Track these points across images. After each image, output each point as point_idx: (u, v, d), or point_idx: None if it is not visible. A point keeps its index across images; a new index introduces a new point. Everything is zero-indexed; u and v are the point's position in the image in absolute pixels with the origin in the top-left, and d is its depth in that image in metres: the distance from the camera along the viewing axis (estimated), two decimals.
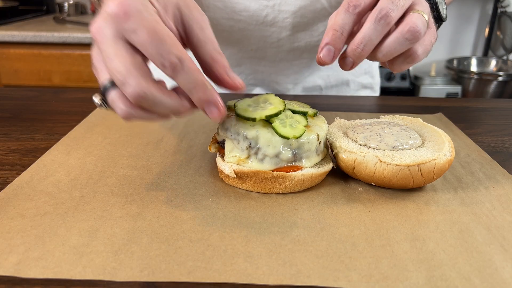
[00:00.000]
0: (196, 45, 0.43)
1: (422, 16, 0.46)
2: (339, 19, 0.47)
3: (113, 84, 0.40)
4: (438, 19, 0.54)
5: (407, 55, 0.48)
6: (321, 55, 0.47)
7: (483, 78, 2.32)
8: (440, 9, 0.53)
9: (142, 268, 0.36)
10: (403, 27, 0.46)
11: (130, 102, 0.40)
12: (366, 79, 1.01)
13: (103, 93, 0.41)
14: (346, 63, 0.48)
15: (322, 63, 0.48)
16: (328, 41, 0.47)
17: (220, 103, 0.41)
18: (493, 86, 2.30)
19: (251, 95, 0.54)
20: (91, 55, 0.42)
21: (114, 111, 0.41)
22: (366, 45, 0.46)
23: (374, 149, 0.50)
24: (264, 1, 0.78)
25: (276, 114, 0.47)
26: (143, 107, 0.40)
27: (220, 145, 0.52)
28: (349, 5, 0.46)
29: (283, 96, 0.63)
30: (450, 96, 2.33)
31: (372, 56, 0.48)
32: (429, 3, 0.51)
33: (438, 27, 0.55)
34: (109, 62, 0.38)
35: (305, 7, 0.79)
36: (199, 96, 0.40)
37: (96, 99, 0.42)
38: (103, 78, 0.40)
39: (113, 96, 0.40)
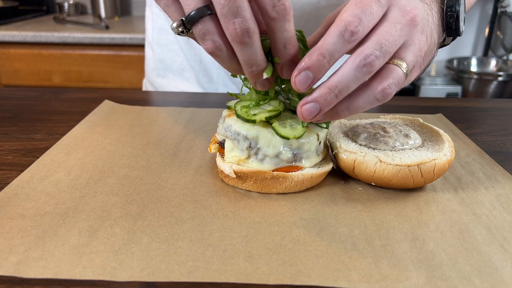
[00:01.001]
0: None
1: (400, 70, 0.41)
2: (329, 43, 0.39)
3: (208, 12, 0.38)
4: (455, 34, 0.49)
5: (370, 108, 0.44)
6: (296, 80, 0.40)
7: (483, 78, 2.32)
8: (460, 24, 0.48)
9: (142, 268, 0.36)
10: (376, 85, 0.41)
11: (225, 36, 0.39)
12: None
13: (192, 20, 0.38)
14: (311, 110, 0.41)
15: (294, 88, 0.41)
16: (310, 65, 0.39)
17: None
18: (493, 86, 2.30)
19: None
20: None
21: (196, 39, 0.40)
22: (341, 92, 0.40)
23: (374, 149, 0.50)
24: None
25: (276, 115, 0.47)
26: (235, 47, 0.39)
27: (220, 145, 0.52)
28: (346, 29, 0.38)
29: None
30: (450, 96, 2.33)
31: (335, 113, 0.43)
32: (450, 14, 0.47)
33: (452, 40, 0.51)
34: None
35: (310, 13, 0.79)
36: (291, 51, 0.41)
37: (176, 24, 0.40)
38: (194, 3, 0.38)
39: (208, 26, 0.38)
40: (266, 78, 0.42)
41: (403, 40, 0.42)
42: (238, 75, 0.46)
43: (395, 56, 0.42)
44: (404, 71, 0.42)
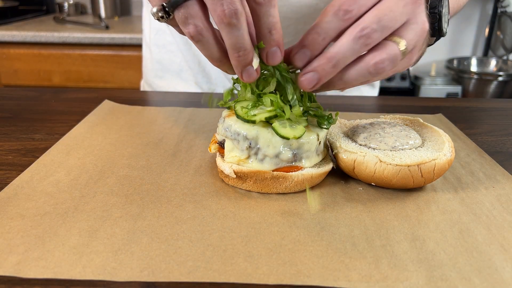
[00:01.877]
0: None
1: (397, 47, 0.42)
2: (324, 22, 0.42)
3: None
4: (438, 34, 0.50)
5: (365, 82, 0.45)
6: (295, 57, 0.43)
7: (483, 78, 2.32)
8: (443, 25, 0.49)
9: (142, 268, 0.36)
10: (370, 58, 0.42)
11: (208, 21, 0.40)
12: None
13: (176, 3, 0.39)
14: (310, 79, 0.43)
15: (293, 66, 0.44)
16: (306, 43, 0.42)
17: (283, 47, 0.43)
18: (493, 86, 2.30)
19: None
20: None
21: (178, 25, 0.41)
22: (339, 62, 0.42)
23: (374, 149, 0.50)
24: None
25: (276, 116, 0.47)
26: (222, 30, 0.39)
27: (220, 145, 0.52)
28: (339, 8, 0.41)
29: None
30: (450, 96, 2.33)
31: (331, 83, 0.44)
32: (433, 15, 0.47)
33: (435, 41, 0.51)
34: None
35: (308, 16, 0.79)
36: (276, 37, 0.41)
37: (156, 9, 0.41)
38: None
39: (191, 9, 0.39)
40: (252, 68, 0.42)
41: (406, 18, 0.43)
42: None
43: (395, 33, 0.43)
44: (402, 49, 0.43)
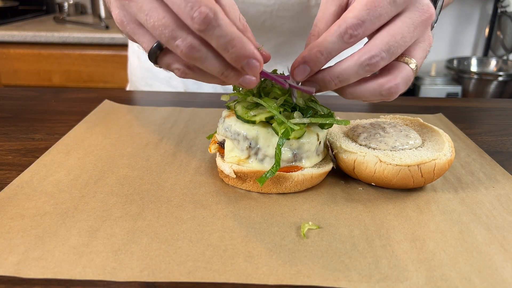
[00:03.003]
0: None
1: (410, 68, 0.43)
2: (329, 41, 0.41)
3: (160, 47, 0.40)
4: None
5: (375, 101, 0.46)
6: (295, 71, 0.43)
7: (483, 78, 2.32)
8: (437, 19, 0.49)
9: (142, 268, 0.36)
10: (385, 82, 0.42)
11: (184, 60, 0.40)
12: None
13: (151, 59, 0.42)
14: (309, 88, 0.44)
15: (292, 77, 0.44)
16: (308, 60, 0.42)
17: (259, 55, 0.38)
18: (493, 86, 2.30)
19: None
20: (119, 21, 0.41)
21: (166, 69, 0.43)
22: (341, 82, 0.43)
23: (374, 149, 0.50)
24: (262, 7, 0.78)
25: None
26: (194, 64, 0.39)
27: (220, 145, 0.52)
28: (346, 31, 0.40)
29: None
30: (450, 96, 2.33)
31: (339, 91, 0.45)
32: None
33: None
34: (149, 19, 0.37)
35: (301, 13, 0.79)
36: (237, 52, 0.37)
37: (149, 59, 0.43)
38: (147, 42, 0.41)
39: (166, 59, 0.41)
40: (250, 77, 0.40)
41: (415, 39, 0.43)
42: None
43: (405, 53, 0.43)
44: (413, 68, 0.44)
